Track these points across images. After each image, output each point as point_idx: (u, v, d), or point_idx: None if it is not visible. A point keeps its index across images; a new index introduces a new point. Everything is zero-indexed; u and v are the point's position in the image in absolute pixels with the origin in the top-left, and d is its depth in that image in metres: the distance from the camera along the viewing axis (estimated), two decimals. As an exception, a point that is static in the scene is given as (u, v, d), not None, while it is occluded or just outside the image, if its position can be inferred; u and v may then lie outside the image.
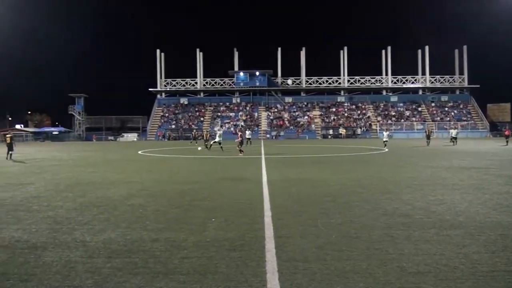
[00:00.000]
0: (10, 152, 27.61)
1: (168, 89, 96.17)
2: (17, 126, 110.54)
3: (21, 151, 37.07)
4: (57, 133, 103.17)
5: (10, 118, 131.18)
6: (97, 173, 17.63)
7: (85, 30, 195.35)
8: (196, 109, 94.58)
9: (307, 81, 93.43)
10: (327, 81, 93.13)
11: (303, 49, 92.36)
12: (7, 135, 29.24)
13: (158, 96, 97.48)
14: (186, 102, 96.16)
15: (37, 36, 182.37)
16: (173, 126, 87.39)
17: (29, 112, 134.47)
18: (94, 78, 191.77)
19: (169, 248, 6.27)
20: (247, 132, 46.54)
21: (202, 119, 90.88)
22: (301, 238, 6.70)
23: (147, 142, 67.87)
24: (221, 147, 33.70)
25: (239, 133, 31.26)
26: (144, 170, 18.59)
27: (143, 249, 6.28)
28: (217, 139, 33.72)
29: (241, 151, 27.85)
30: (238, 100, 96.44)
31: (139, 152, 33.92)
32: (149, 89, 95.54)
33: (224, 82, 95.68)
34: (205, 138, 39.06)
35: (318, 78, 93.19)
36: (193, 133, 58.99)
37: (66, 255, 6.07)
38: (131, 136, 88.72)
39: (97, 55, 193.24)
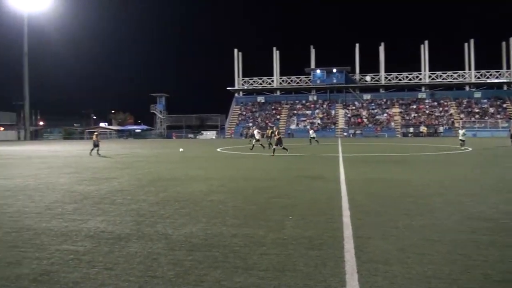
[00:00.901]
0: (95, 149, 29.01)
1: (245, 87, 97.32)
2: (101, 124, 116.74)
3: (106, 148, 38.66)
4: (139, 131, 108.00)
5: (94, 117, 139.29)
6: (178, 169, 18.11)
7: (166, 32, 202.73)
8: (273, 107, 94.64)
9: (386, 77, 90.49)
10: (407, 77, 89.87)
11: (382, 44, 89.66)
12: (94, 133, 30.95)
13: (236, 94, 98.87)
14: (263, 101, 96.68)
15: (120, 37, 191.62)
16: (250, 124, 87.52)
17: (113, 111, 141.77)
18: (175, 78, 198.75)
19: (248, 244, 6.30)
20: (311, 132, 45.08)
21: (278, 117, 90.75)
22: (381, 239, 6.50)
23: (225, 140, 68.80)
24: (261, 144, 33.05)
25: (275, 132, 28.57)
26: (222, 167, 18.93)
27: (223, 244, 6.36)
28: (257, 137, 33.27)
29: (274, 150, 25.60)
30: (315, 98, 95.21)
31: (218, 150, 34.52)
32: (227, 88, 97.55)
33: (300, 80, 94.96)
34: (269, 136, 38.31)
35: (398, 74, 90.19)
36: (248, 131, 57.23)
37: (149, 246, 6.24)
38: (210, 134, 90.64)
39: (178, 55, 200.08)
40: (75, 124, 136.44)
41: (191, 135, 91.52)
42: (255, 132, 36.91)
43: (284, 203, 9.39)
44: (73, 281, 4.95)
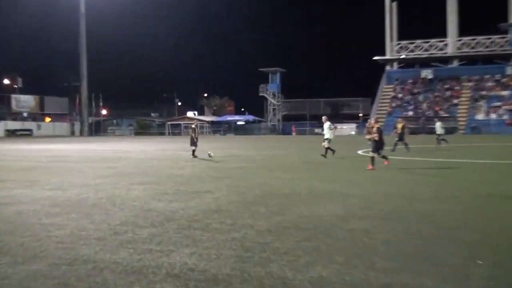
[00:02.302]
0: (195, 148, 30.98)
1: (402, 56, 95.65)
2: (189, 114, 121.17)
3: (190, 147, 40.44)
4: (242, 123, 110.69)
5: (179, 103, 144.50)
6: (299, 180, 18.27)
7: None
8: (446, 85, 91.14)
9: None
10: None
11: None
12: (192, 126, 32.80)
13: (388, 67, 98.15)
14: (430, 76, 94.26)
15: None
16: (410, 113, 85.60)
17: (205, 95, 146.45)
18: (291, 48, 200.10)
19: (410, 301, 6.18)
20: (437, 124, 43.65)
21: (455, 101, 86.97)
22: None
23: None
24: (331, 149, 30.65)
25: (374, 128, 23.91)
26: (366, 178, 18.84)
27: (370, 298, 6.38)
28: (328, 136, 30.98)
29: (385, 158, 23.31)
30: None
31: (359, 152, 34.49)
32: (374, 58, 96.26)
33: (492, 43, 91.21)
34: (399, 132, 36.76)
35: None
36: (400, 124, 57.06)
37: (259, 296, 6.44)
38: (348, 128, 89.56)
39: (294, 12, 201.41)
40: (152, 114, 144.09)
41: (318, 130, 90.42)
42: (437, 125, 40.54)
43: (466, 238, 8.94)
44: None
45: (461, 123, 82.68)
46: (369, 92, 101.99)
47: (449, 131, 73.12)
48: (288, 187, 16.11)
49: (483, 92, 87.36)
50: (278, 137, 73.95)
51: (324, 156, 30.09)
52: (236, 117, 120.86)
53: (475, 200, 13.37)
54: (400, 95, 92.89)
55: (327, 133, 30.97)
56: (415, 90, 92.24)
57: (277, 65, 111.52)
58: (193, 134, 31.23)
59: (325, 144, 30.79)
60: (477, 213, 11.52)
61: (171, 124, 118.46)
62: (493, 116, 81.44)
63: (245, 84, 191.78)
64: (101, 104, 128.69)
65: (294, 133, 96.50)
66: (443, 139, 44.04)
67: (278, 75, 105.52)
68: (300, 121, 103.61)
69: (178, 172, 21.65)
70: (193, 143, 30.84)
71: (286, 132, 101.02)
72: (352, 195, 14.17)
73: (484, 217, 11.00)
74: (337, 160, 28.71)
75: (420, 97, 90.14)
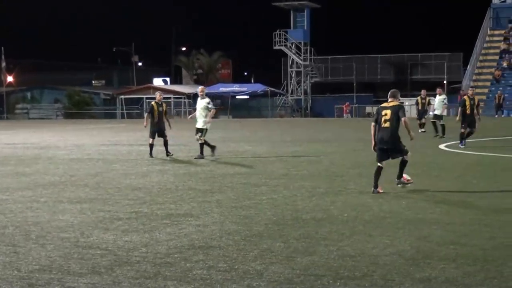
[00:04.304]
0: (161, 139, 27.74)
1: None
2: (156, 82, 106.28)
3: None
4: (246, 97, 76.23)
5: (139, 63, 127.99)
6: (342, 194, 17.13)
7: None
8: None
9: None
10: None
11: None
12: (153, 102, 29.30)
13: (495, 1, 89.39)
14: None
15: None
16: None
17: (183, 50, 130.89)
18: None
19: None
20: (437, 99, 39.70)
21: None
22: None
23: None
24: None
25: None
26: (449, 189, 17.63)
27: None
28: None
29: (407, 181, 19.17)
30: None
31: (441, 147, 32.45)
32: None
33: None
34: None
35: None
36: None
37: None
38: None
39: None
40: (94, 82, 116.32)
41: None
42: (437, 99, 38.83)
43: None
44: None
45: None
46: (461, 43, 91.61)
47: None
48: (322, 208, 14.63)
49: None
50: (307, 121, 72.58)
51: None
52: (236, 87, 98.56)
53: None
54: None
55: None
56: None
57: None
58: (154, 117, 28.41)
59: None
60: None
61: (125, 98, 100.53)
62: None
63: (250, 30, 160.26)
64: (2, 64, 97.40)
65: (347, 115, 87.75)
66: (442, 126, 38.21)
67: (306, 13, 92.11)
68: (340, 93, 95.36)
69: (138, 182, 19.54)
70: (154, 132, 28.17)
71: (317, 112, 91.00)
72: (430, 220, 12.94)
73: None
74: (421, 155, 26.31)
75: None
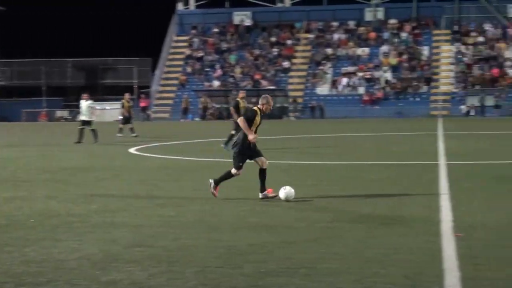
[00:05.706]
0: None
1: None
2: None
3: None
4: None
5: None
6: (25, 200, 17.66)
7: None
8: (273, 38, 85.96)
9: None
10: None
11: None
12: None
13: (179, 6, 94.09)
14: (247, 23, 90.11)
15: None
16: (217, 83, 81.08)
17: None
18: None
19: None
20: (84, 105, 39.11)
21: (286, 63, 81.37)
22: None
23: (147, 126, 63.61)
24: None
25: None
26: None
27: None
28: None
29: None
30: (380, 15, 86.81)
31: (131, 151, 33.33)
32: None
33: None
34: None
35: None
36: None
37: None
38: (110, 110, 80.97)
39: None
40: None
41: (66, 114, 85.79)
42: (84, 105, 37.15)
43: None
44: None
45: (298, 98, 79.96)
46: (150, 49, 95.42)
47: (278, 112, 73.38)
48: (5, 214, 14.77)
49: (329, 50, 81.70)
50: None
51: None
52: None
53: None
54: (200, 54, 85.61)
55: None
56: (224, 46, 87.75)
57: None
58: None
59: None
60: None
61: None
62: (342, 87, 77.78)
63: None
64: None
65: (44, 119, 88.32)
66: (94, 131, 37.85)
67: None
68: (29, 97, 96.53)
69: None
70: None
71: (2, 116, 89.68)
72: (119, 223, 13.41)
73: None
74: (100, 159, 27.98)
75: (232, 57, 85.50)
